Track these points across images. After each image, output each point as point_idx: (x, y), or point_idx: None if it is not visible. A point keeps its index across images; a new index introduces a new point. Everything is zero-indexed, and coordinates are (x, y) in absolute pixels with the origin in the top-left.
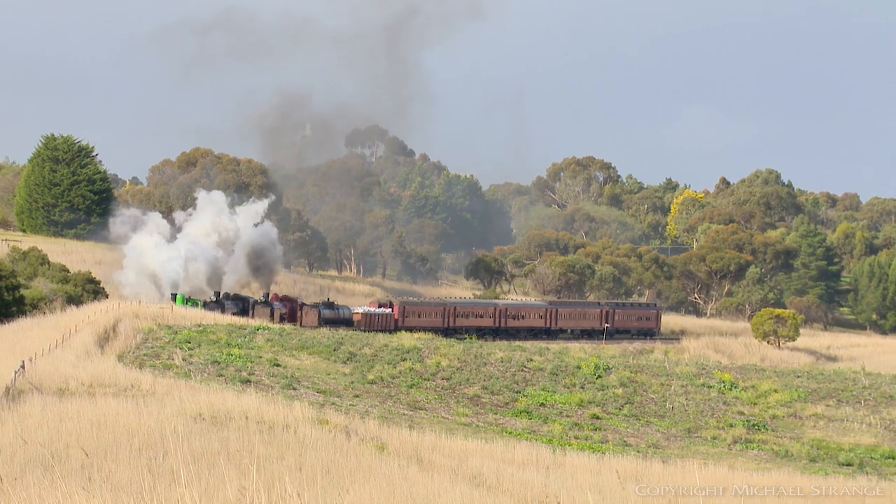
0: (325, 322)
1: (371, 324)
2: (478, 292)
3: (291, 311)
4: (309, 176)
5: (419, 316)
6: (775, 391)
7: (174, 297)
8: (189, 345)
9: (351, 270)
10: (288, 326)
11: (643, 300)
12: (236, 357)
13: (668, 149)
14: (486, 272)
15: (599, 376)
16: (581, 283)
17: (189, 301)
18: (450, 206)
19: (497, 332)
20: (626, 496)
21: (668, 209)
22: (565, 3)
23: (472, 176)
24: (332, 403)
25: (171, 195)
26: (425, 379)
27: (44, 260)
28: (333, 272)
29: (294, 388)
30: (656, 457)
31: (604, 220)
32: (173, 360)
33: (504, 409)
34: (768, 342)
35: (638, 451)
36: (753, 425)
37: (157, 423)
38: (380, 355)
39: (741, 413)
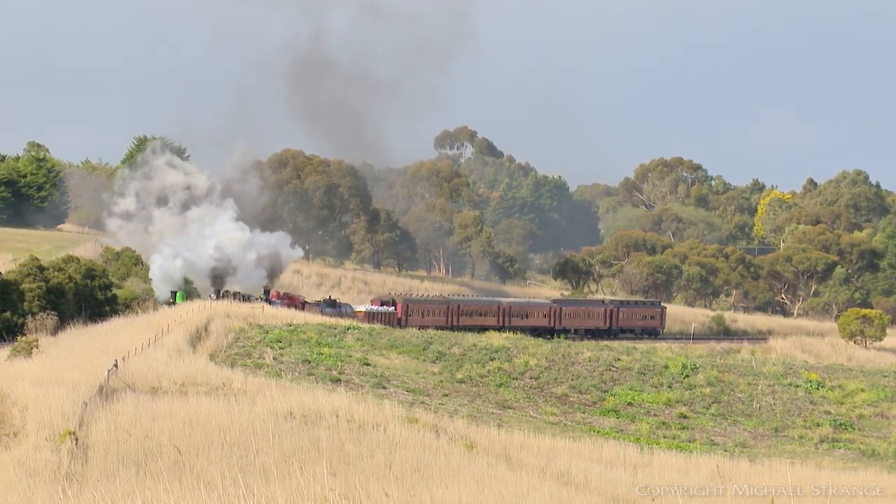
0: None
1: (373, 322)
2: (566, 292)
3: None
4: (398, 177)
5: (422, 315)
6: (862, 391)
7: (174, 294)
8: (280, 344)
9: (440, 270)
10: (377, 326)
11: (647, 298)
12: (326, 356)
13: (755, 149)
14: (574, 272)
15: (687, 376)
16: (668, 284)
17: (191, 299)
18: (537, 206)
19: (501, 331)
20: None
21: (755, 210)
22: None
23: (559, 177)
24: (422, 402)
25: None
26: (514, 378)
27: (137, 260)
28: (423, 272)
29: (384, 387)
30: (743, 456)
31: (691, 221)
32: (264, 359)
33: (592, 408)
34: (855, 342)
35: (725, 450)
36: (840, 425)
37: (248, 422)
38: (468, 355)
39: (828, 412)
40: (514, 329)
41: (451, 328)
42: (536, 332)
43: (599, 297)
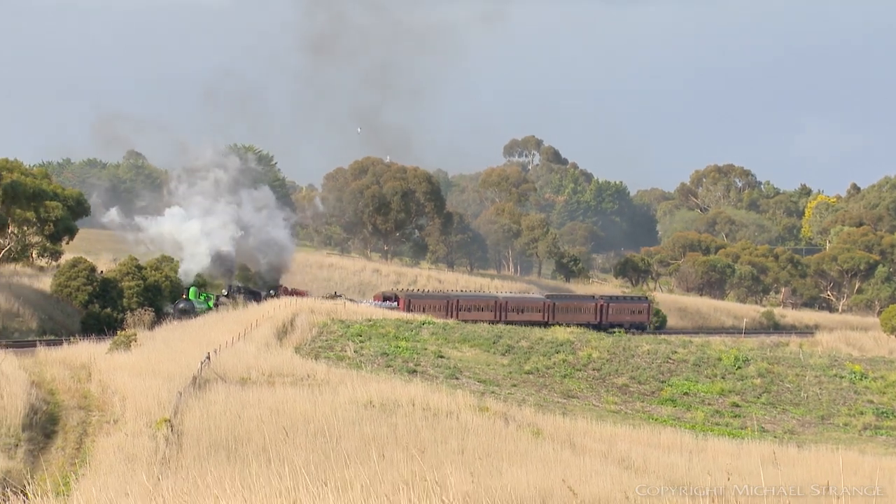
0: None
1: None
2: (626, 289)
3: None
4: (470, 182)
5: (424, 309)
6: None
7: (187, 291)
8: (360, 338)
9: (509, 269)
10: (451, 321)
11: (634, 293)
12: (403, 349)
13: (802, 156)
14: (634, 271)
15: (739, 367)
16: (721, 282)
17: (203, 295)
18: (600, 210)
19: (496, 325)
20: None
21: (803, 213)
22: (693, 16)
23: (620, 183)
24: (492, 392)
25: (343, 200)
26: (577, 369)
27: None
28: (493, 271)
29: (456, 378)
30: (792, 442)
31: (743, 223)
32: (346, 351)
33: (650, 397)
34: None
35: (775, 437)
36: (882, 413)
37: (330, 410)
38: (535, 348)
39: (871, 402)
40: (509, 323)
41: None
42: (531, 325)
43: (659, 293)
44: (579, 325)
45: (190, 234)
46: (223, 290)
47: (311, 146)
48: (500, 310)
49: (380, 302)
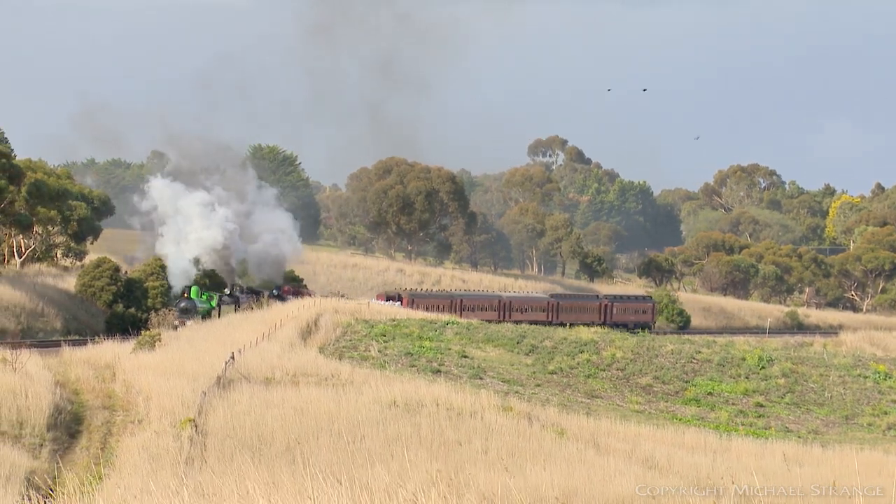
0: None
1: None
2: (650, 289)
3: None
4: (494, 182)
5: (427, 308)
6: None
7: (189, 289)
8: (384, 338)
9: (533, 269)
10: (475, 321)
11: (639, 293)
12: (427, 349)
13: (826, 156)
14: (658, 271)
15: (763, 367)
16: (745, 281)
17: (205, 295)
18: (623, 210)
19: (501, 324)
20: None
21: (827, 213)
22: (712, 20)
23: (644, 182)
24: (516, 392)
25: (367, 199)
26: (601, 369)
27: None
28: (517, 271)
29: (480, 378)
30: (816, 442)
31: (766, 223)
32: (370, 351)
33: (674, 397)
34: None
35: (799, 437)
36: None
37: (354, 410)
38: (559, 348)
39: (895, 402)
40: (513, 322)
41: None
42: (535, 325)
43: (683, 293)
44: (583, 325)
45: (196, 206)
46: (225, 290)
47: (311, 145)
48: (504, 309)
49: (382, 301)
